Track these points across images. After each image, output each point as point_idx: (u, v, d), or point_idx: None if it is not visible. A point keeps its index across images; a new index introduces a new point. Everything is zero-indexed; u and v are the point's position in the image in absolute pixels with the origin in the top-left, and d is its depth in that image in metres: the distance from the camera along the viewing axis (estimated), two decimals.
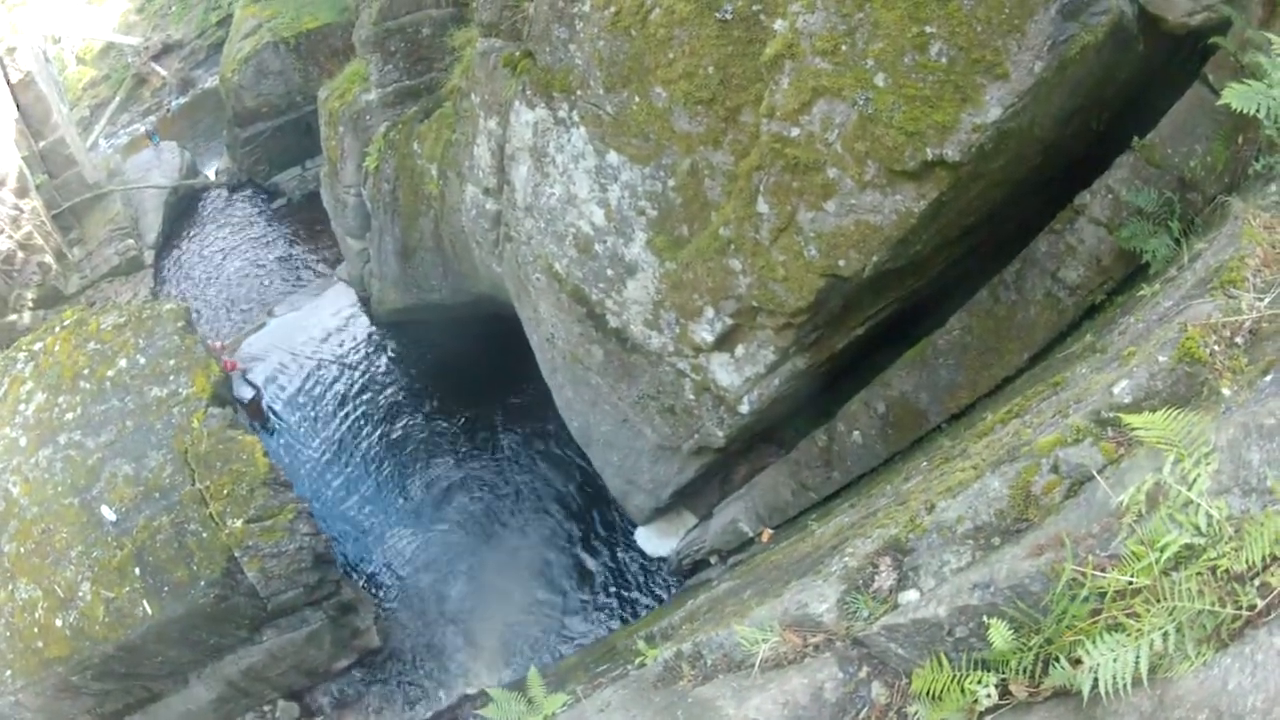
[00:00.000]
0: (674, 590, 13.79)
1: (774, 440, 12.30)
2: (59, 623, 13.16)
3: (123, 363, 15.67)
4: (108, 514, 13.67)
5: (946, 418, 9.90)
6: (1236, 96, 6.21)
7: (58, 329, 16.78)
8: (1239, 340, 4.78)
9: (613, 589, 14.42)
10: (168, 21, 37.39)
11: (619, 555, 14.66)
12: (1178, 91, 8.14)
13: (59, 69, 33.35)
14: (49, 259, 23.98)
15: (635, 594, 14.23)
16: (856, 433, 10.71)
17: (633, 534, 14.34)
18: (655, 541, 13.95)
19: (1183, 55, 8.47)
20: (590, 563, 14.85)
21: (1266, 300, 4.90)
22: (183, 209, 28.17)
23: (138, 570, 13.20)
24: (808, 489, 11.30)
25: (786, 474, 11.59)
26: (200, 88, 34.90)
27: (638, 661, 7.28)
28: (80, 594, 13.25)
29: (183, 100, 35.01)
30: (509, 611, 14.78)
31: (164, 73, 36.01)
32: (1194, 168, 7.83)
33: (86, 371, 15.68)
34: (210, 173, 29.72)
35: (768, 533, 11.68)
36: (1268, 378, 4.18)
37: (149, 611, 12.97)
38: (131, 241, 25.61)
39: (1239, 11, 7.47)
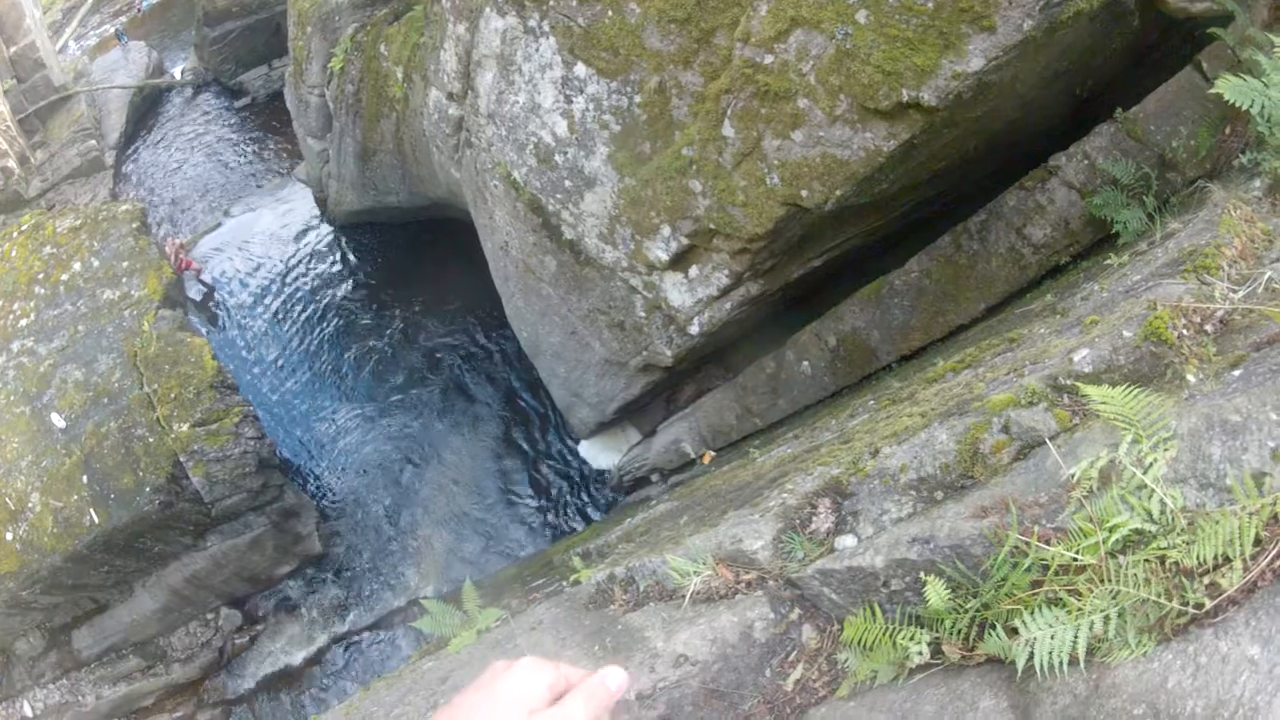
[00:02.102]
0: (613, 505, 13.81)
1: (722, 364, 12.27)
2: (9, 536, 13.07)
3: (77, 266, 15.49)
4: (57, 421, 13.54)
5: (897, 358, 9.90)
6: (1231, 89, 6.16)
7: (15, 234, 16.50)
8: (1208, 328, 4.74)
9: (554, 501, 14.44)
10: None
11: (562, 468, 14.66)
12: (1165, 73, 8.07)
13: None
14: (12, 164, 23.60)
15: (576, 506, 14.26)
16: (805, 363, 10.70)
17: (576, 447, 14.33)
18: (598, 456, 13.97)
19: (1175, 39, 8.40)
20: (533, 474, 14.85)
21: (1241, 293, 4.86)
22: (147, 109, 27.78)
23: (85, 478, 13.10)
24: (753, 415, 11.30)
25: (732, 398, 11.58)
26: None
27: (572, 579, 7.27)
28: (30, 505, 13.16)
29: (154, 1, 34.21)
30: (450, 521, 14.78)
31: None
32: (1176, 148, 7.78)
33: (41, 276, 15.49)
34: (176, 72, 29.24)
35: (710, 455, 11.69)
36: (1236, 372, 4.14)
37: (96, 520, 12.88)
38: (93, 143, 25.21)
39: (1242, 8, 7.40)
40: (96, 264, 15.41)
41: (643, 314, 10.92)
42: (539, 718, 1.60)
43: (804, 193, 8.65)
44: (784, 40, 8.31)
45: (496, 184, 11.90)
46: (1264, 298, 4.74)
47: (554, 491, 14.52)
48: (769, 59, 8.46)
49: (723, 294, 10.10)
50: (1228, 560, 3.33)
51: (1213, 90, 6.36)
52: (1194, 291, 4.97)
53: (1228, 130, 7.35)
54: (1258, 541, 3.33)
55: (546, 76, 10.60)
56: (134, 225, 16.04)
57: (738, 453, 10.87)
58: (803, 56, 8.22)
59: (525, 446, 15.18)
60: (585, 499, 14.26)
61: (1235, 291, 4.89)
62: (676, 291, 10.34)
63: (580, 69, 10.19)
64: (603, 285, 11.14)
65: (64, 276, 15.36)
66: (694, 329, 10.48)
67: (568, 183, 10.74)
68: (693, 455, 11.90)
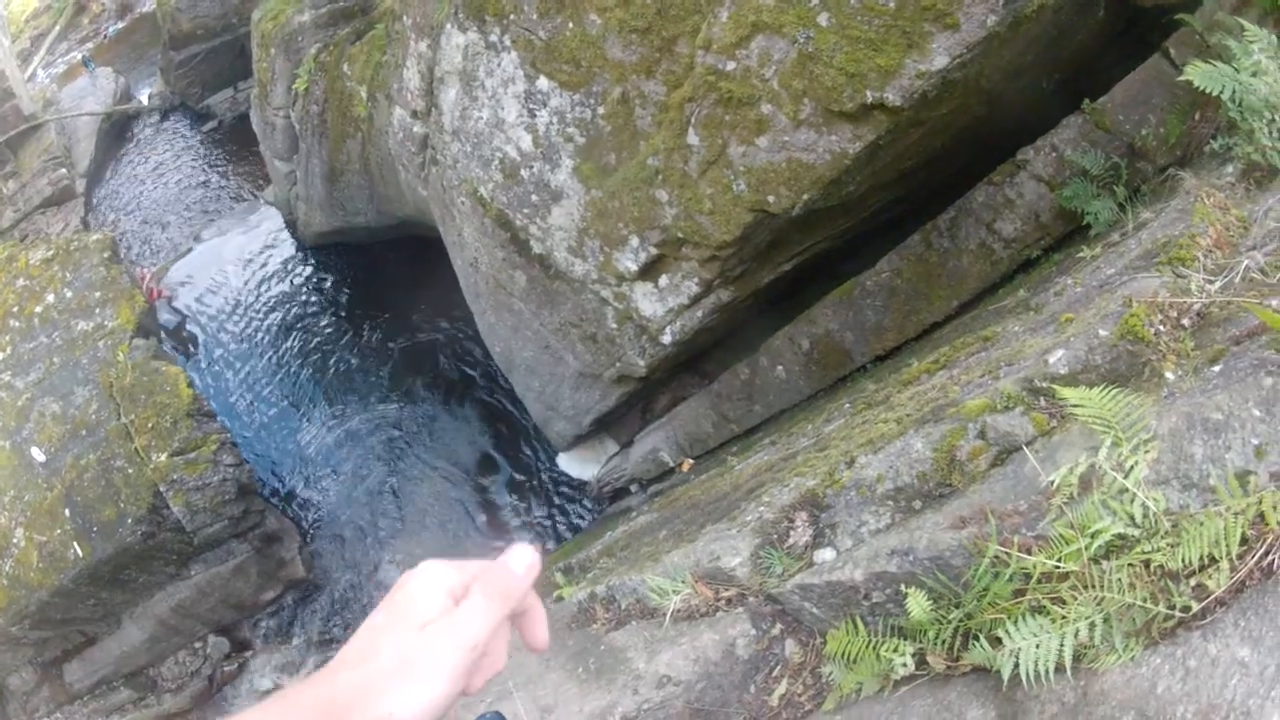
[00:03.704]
0: (594, 517, 13.76)
1: (697, 371, 12.23)
2: None
3: (50, 298, 15.40)
4: (38, 455, 13.43)
5: (871, 359, 9.86)
6: (1201, 75, 6.11)
7: None
8: (1186, 323, 4.68)
9: (534, 514, 14.38)
10: None
11: (541, 480, 14.60)
12: (1133, 61, 8.04)
13: (4, 3, 32.37)
14: None
15: (556, 519, 14.19)
16: (780, 367, 10.65)
17: (554, 459, 14.29)
18: (577, 467, 13.93)
19: (1142, 27, 8.36)
20: (512, 487, 14.79)
21: (1218, 284, 4.80)
22: (116, 135, 27.66)
23: (68, 511, 12.98)
24: (729, 421, 11.26)
25: (708, 405, 11.54)
26: (138, 11, 34.08)
27: (555, 596, 7.26)
28: (15, 540, 13.04)
29: (119, 25, 34.15)
30: (432, 537, 14.74)
31: None
32: (1145, 136, 7.75)
33: (16, 310, 15.40)
34: (143, 97, 29.11)
35: (688, 463, 11.64)
36: (1216, 367, 4.08)
37: (80, 553, 12.76)
38: (64, 171, 25.07)
39: None
40: (69, 295, 15.32)
41: (614, 325, 10.86)
42: (430, 630, 1.40)
43: (771, 198, 8.58)
44: (745, 46, 8.25)
45: (463, 200, 11.82)
46: (1241, 288, 4.68)
47: (534, 505, 14.46)
48: (731, 65, 8.40)
49: (693, 302, 10.04)
50: (1214, 561, 3.27)
51: (1182, 77, 6.32)
52: (1169, 285, 4.92)
53: (1198, 117, 7.31)
54: (1244, 541, 3.27)
55: (509, 91, 10.52)
56: (105, 255, 15.94)
57: (716, 460, 10.81)
58: (765, 62, 8.15)
59: (504, 460, 15.12)
60: (565, 511, 14.20)
61: (1212, 283, 4.84)
62: (647, 301, 10.27)
63: (543, 82, 10.11)
64: (573, 298, 11.08)
65: (38, 309, 15.25)
66: (666, 338, 10.42)
67: (534, 197, 10.67)
68: (671, 464, 11.83)
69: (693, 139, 8.90)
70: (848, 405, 8.22)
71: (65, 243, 16.48)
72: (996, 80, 7.89)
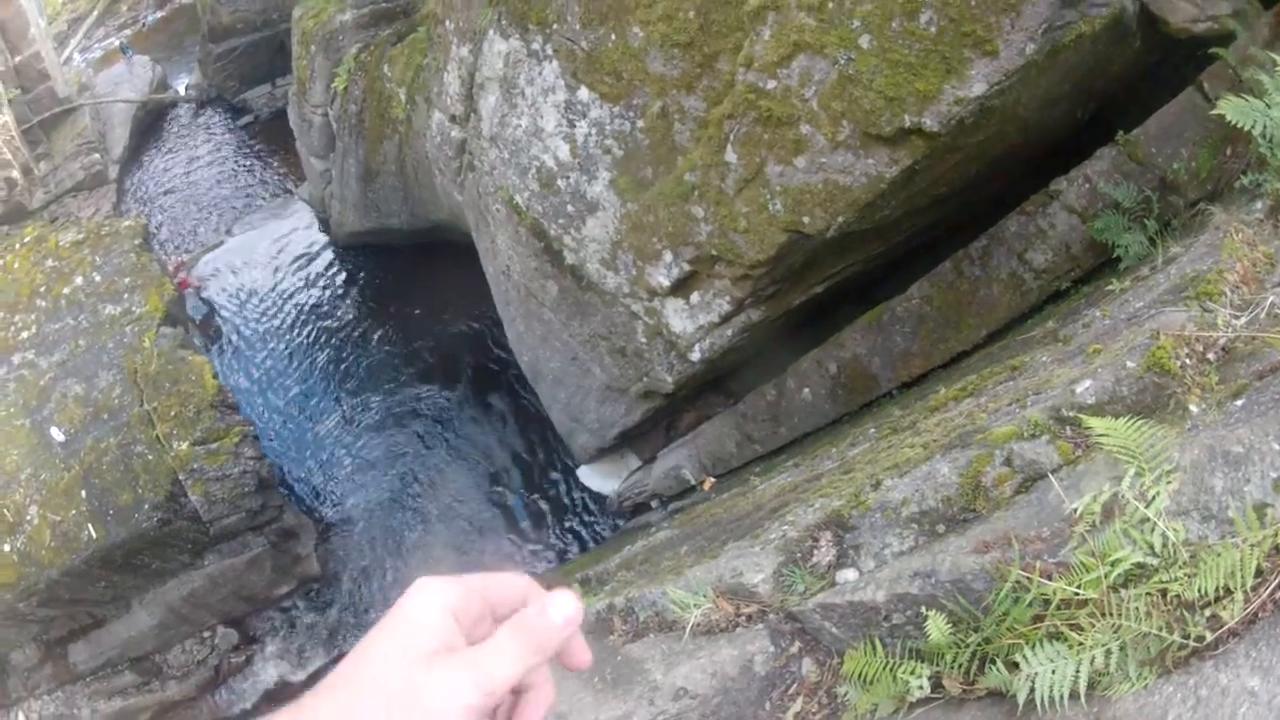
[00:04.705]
0: (613, 530, 13.76)
1: (722, 390, 12.23)
2: (7, 548, 13.00)
3: (79, 280, 15.52)
4: (57, 435, 13.52)
5: (898, 385, 9.85)
6: (1233, 109, 6.13)
7: (18, 246, 16.53)
8: (1211, 356, 4.71)
9: (554, 525, 14.40)
10: None
11: (562, 491, 14.62)
12: (1167, 94, 8.05)
13: None
14: (16, 174, 23.52)
15: (576, 531, 14.21)
16: (806, 390, 10.66)
17: (576, 471, 14.30)
18: (598, 480, 13.93)
19: (1177, 59, 8.37)
20: (533, 497, 14.80)
21: (1244, 319, 4.83)
22: (150, 124, 27.72)
23: (84, 493, 13.05)
24: (753, 441, 11.26)
25: (732, 425, 11.54)
26: (177, 2, 34.17)
27: None
28: (28, 518, 13.09)
29: (159, 14, 34.30)
30: (450, 542, 14.75)
31: None
32: (1177, 170, 7.76)
33: (43, 289, 15.51)
34: (180, 88, 29.22)
35: (710, 481, 11.64)
36: (1239, 401, 4.11)
37: (94, 535, 12.82)
38: (97, 156, 25.18)
39: (1244, 27, 7.38)
40: (98, 279, 15.44)
41: (644, 340, 10.89)
42: (441, 663, 1.20)
43: (806, 219, 8.62)
44: (787, 65, 8.30)
45: (498, 208, 11.89)
46: (1266, 323, 4.71)
47: (554, 515, 14.47)
48: (772, 84, 8.45)
49: (724, 320, 10.07)
50: (1229, 592, 3.30)
51: (1214, 111, 6.34)
52: (1196, 319, 4.94)
53: (1229, 151, 7.32)
54: (1259, 573, 3.31)
55: (549, 100, 10.59)
56: (136, 241, 16.07)
57: (738, 479, 10.81)
58: (805, 82, 8.20)
59: (526, 469, 15.13)
60: (585, 524, 14.21)
61: (1238, 318, 4.87)
62: (678, 318, 10.31)
63: (583, 93, 10.18)
64: (604, 311, 11.12)
65: (65, 290, 15.38)
66: (695, 355, 10.44)
67: (570, 207, 10.73)
68: (693, 482, 11.84)
69: (730, 156, 8.95)
70: (873, 430, 8.23)
71: (96, 226, 16.62)
72: (1033, 109, 7.92)
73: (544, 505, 14.67)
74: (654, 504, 12.79)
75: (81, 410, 13.69)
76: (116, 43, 32.21)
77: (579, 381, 12.29)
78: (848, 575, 5.12)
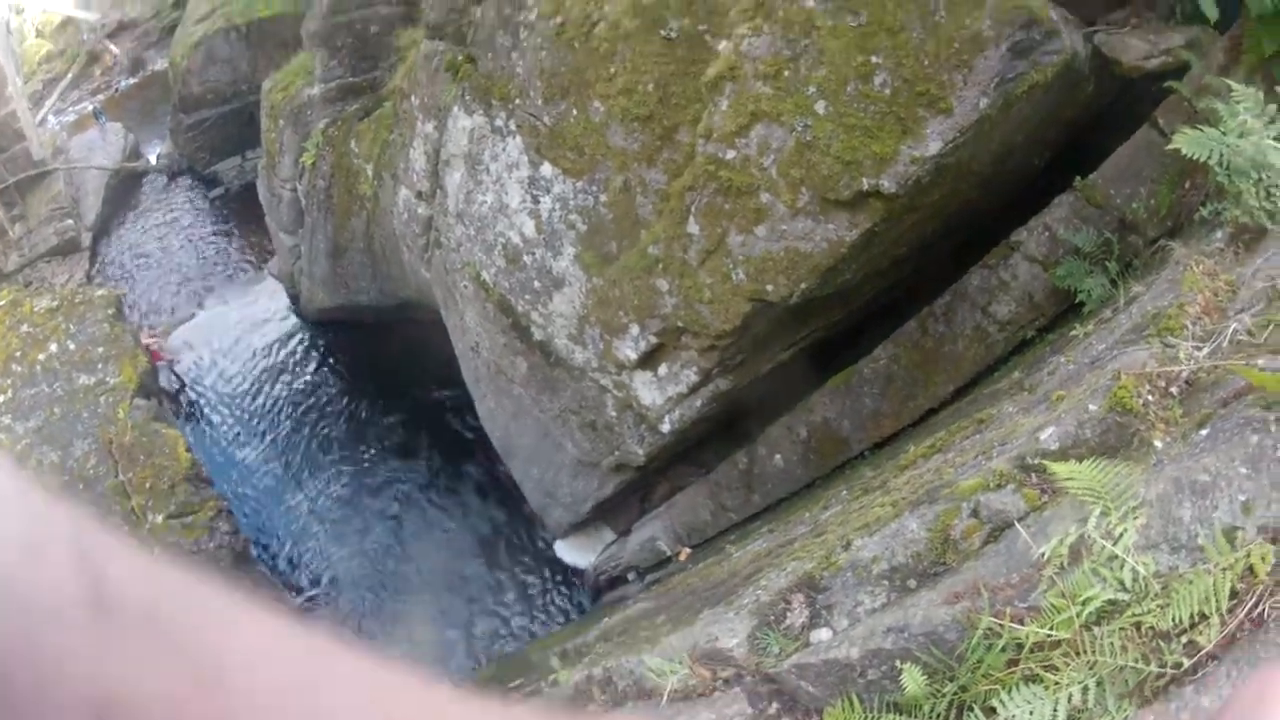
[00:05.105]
0: (590, 604, 13.67)
1: (694, 460, 12.20)
2: None
3: (53, 347, 15.54)
4: None
5: (869, 446, 9.85)
6: (1188, 142, 6.19)
7: None
8: (1174, 391, 4.72)
9: (531, 600, 14.26)
10: None
11: (538, 566, 14.50)
12: (1124, 132, 8.15)
13: (19, 40, 32.67)
14: None
15: (553, 606, 14.08)
16: (778, 456, 10.64)
17: (552, 545, 14.22)
18: (574, 555, 13.84)
19: (1131, 97, 8.48)
20: (510, 572, 14.67)
21: (1205, 350, 4.85)
22: (123, 191, 27.66)
23: None
24: (727, 510, 11.22)
25: (706, 494, 11.50)
26: (150, 69, 34.27)
27: (550, 679, 7.22)
28: None
29: (132, 80, 34.44)
30: (427, 619, 14.59)
31: (116, 51, 35.36)
32: (1136, 209, 7.83)
33: (19, 354, 15.52)
34: (152, 157, 29.23)
35: (685, 552, 11.57)
36: (1203, 431, 4.12)
37: None
38: (71, 222, 25.13)
39: (1198, 57, 7.49)
40: (73, 347, 15.48)
41: (614, 414, 10.87)
42: None
43: (769, 287, 8.65)
44: (745, 134, 8.38)
45: (466, 284, 11.90)
46: (1229, 351, 4.73)
47: (531, 590, 14.35)
48: (731, 154, 8.52)
49: (692, 391, 10.06)
50: (1204, 618, 3.28)
51: (1170, 146, 6.40)
52: (1158, 355, 4.96)
53: (1187, 185, 7.38)
54: (1234, 595, 3.29)
55: (513, 176, 10.64)
56: (109, 311, 16.14)
57: (714, 549, 10.75)
58: (764, 150, 8.27)
59: (501, 545, 15.01)
60: (563, 598, 14.09)
61: (1200, 349, 4.88)
62: (647, 390, 10.30)
63: (546, 168, 10.24)
64: (574, 385, 11.10)
65: (41, 357, 15.40)
66: (665, 427, 10.42)
67: (536, 283, 10.75)
68: (669, 553, 11.76)
69: (693, 228, 9.00)
70: (845, 492, 8.22)
71: (70, 294, 16.69)
72: (988, 163, 8.00)
73: (521, 578, 14.55)
74: (631, 576, 12.71)
75: (57, 478, 13.63)
76: (90, 107, 32.26)
77: (551, 457, 12.25)
78: (821, 635, 5.09)
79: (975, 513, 4.79)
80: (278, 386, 18.83)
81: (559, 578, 14.20)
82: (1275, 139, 5.97)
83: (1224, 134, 6.11)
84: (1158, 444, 4.35)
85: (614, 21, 9.32)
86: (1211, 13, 7.29)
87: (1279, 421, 3.68)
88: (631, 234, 9.67)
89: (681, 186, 9.05)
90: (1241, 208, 5.99)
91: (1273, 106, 6.17)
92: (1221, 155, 6.06)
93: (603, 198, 9.81)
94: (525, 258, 10.76)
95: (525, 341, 11.32)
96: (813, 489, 10.25)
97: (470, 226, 11.40)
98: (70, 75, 34.93)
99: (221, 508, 13.92)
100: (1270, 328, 4.69)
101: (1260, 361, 4.30)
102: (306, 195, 16.90)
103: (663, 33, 8.93)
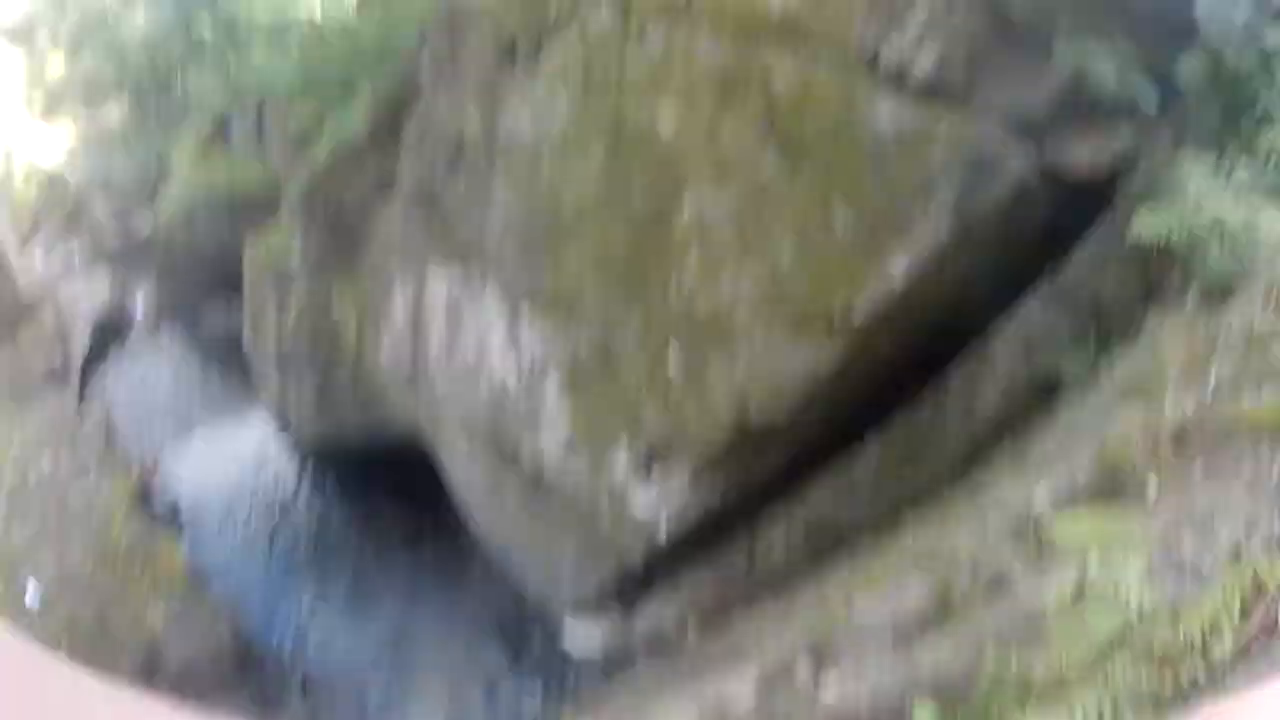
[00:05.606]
0: (600, 687, 13.55)
1: (694, 560, 12.16)
2: None
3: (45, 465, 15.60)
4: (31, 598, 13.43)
5: (867, 530, 9.87)
6: (1149, 226, 6.40)
7: None
8: (1165, 440, 4.82)
9: (540, 681, 14.11)
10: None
11: (545, 656, 14.38)
12: (1090, 219, 8.34)
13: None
14: None
15: (563, 686, 13.95)
16: (776, 552, 10.64)
17: (558, 630, 14.10)
18: (580, 644, 13.73)
19: (1092, 192, 8.70)
20: (516, 664, 14.54)
21: (1191, 402, 4.96)
22: (110, 331, 27.79)
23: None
24: (730, 600, 11.19)
25: (709, 588, 11.47)
26: (134, 224, 34.52)
27: None
28: None
29: (117, 235, 34.68)
30: (437, 704, 14.42)
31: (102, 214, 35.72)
32: (1109, 288, 7.99)
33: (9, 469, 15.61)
34: (138, 300, 29.35)
35: (692, 632, 11.51)
36: (1197, 470, 4.21)
37: None
38: (59, 359, 25.29)
39: (1146, 147, 7.74)
40: (67, 463, 15.58)
41: (609, 528, 10.87)
42: None
43: (753, 412, 8.83)
44: (715, 283, 8.62)
45: (453, 428, 12.03)
46: (1214, 400, 4.84)
47: (538, 673, 14.21)
48: (704, 302, 8.77)
49: (685, 503, 10.11)
50: (1217, 631, 3.32)
51: (1132, 232, 6.58)
52: (1144, 412, 5.06)
53: (1155, 254, 7.52)
54: (1243, 607, 3.33)
55: (493, 329, 10.84)
56: (103, 436, 16.23)
57: (720, 622, 10.75)
58: (736, 296, 8.50)
59: (507, 628, 14.90)
60: (571, 680, 13.97)
61: (1186, 401, 4.99)
62: (640, 505, 10.34)
63: (524, 320, 10.42)
64: (568, 507, 11.13)
65: (32, 476, 15.50)
66: (661, 538, 10.44)
67: (523, 420, 10.80)
68: (674, 635, 11.70)
69: (673, 371, 9.18)
70: (846, 572, 8.26)
71: (63, 420, 16.78)
72: (956, 282, 8.19)
73: (528, 671, 14.43)
74: (639, 656, 12.62)
75: (54, 588, 13.63)
76: (77, 257, 32.37)
77: (551, 569, 12.22)
78: (830, 692, 5.11)
79: (974, 572, 4.83)
80: (269, 512, 18.77)
81: (566, 660, 14.08)
82: (1233, 196, 6.17)
83: (1182, 209, 6.30)
84: (1152, 491, 4.43)
85: (578, 195, 9.70)
86: (1149, 105, 7.58)
87: (1271, 446, 3.78)
88: (613, 376, 9.83)
89: (659, 333, 9.26)
90: (1208, 271, 6.17)
91: (1225, 165, 6.39)
92: (1181, 228, 6.25)
93: (582, 346, 9.99)
94: (508, 402, 10.88)
95: (516, 474, 11.38)
96: (817, 568, 10.27)
97: (454, 376, 11.59)
98: (58, 223, 35.08)
99: (219, 612, 13.89)
100: (1251, 372, 4.80)
101: (1247, 404, 4.42)
102: (292, 352, 17.03)
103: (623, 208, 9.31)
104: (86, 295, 28.02)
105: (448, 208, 11.31)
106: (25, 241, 31.28)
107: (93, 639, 12.85)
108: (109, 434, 16.51)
